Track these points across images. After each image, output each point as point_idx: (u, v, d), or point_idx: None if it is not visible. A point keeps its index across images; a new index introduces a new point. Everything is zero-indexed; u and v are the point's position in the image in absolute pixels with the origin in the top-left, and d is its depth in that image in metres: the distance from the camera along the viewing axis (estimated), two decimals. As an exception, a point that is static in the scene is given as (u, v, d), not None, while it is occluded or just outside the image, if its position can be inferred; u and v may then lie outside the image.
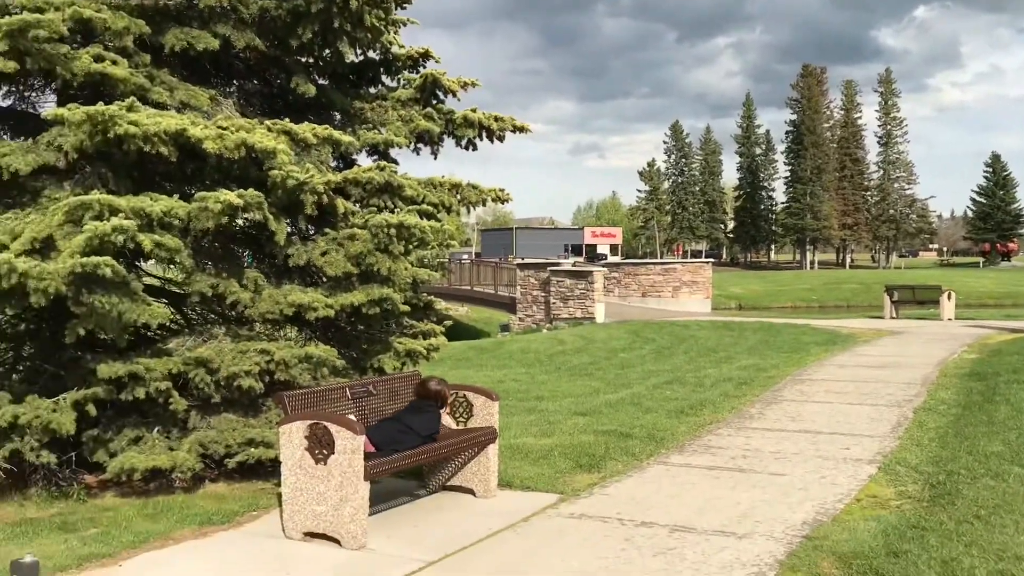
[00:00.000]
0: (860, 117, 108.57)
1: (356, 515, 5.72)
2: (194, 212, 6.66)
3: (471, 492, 7.00)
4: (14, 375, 7.60)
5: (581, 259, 61.02)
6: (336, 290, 7.73)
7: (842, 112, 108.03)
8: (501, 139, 9.52)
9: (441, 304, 9.80)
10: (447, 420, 7.16)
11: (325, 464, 5.81)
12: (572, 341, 20.30)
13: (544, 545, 5.73)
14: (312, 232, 8.01)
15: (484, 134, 9.52)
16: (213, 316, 7.99)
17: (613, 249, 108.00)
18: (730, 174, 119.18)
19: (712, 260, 35.59)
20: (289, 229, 7.59)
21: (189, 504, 6.81)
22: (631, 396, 11.71)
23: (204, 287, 7.08)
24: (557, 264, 30.62)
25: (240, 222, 8.02)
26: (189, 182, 7.56)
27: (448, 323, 9.73)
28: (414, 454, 6.22)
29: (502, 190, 9.60)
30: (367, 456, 5.86)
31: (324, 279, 7.85)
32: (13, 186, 7.03)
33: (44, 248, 6.28)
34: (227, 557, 5.64)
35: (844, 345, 17.73)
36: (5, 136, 7.41)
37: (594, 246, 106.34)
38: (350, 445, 5.70)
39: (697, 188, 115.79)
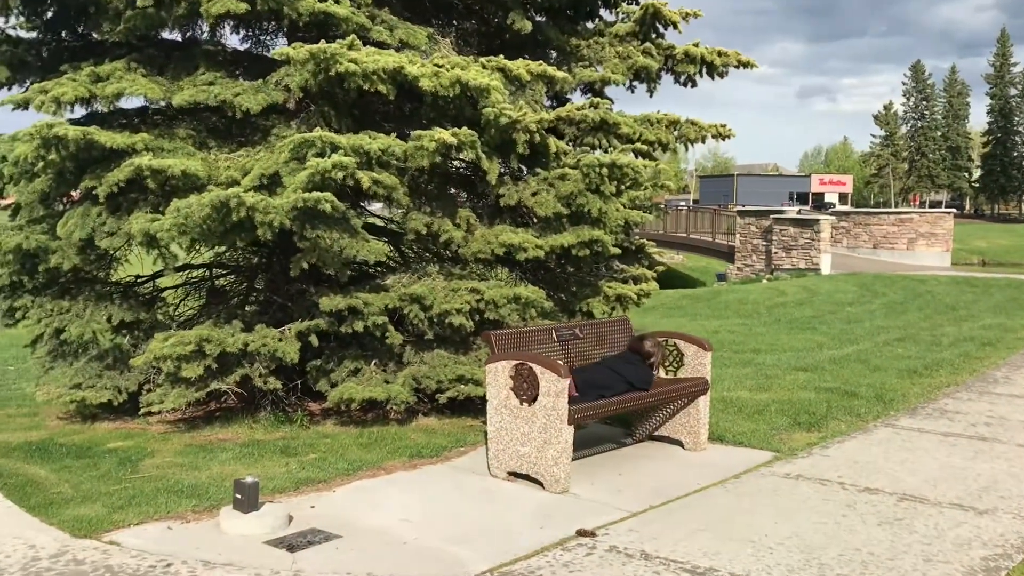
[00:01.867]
0: None
1: (559, 458, 5.63)
2: (410, 151, 6.71)
3: (679, 444, 6.75)
4: (247, 306, 8.07)
5: (807, 207, 57.91)
6: (546, 231, 7.61)
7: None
8: (723, 75, 9.01)
9: (654, 248, 9.48)
10: (656, 370, 6.93)
11: (530, 405, 5.74)
12: (794, 292, 19.35)
13: (756, 505, 5.41)
14: (523, 172, 7.91)
15: (705, 70, 9.05)
16: (428, 255, 8.10)
17: (842, 198, 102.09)
18: (978, 118, 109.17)
19: (954, 211, 32.77)
20: (501, 169, 7.51)
21: (401, 436, 6.99)
22: (857, 353, 10.96)
23: (419, 225, 7.16)
24: (781, 212, 29.24)
25: (456, 163, 8.07)
26: (407, 122, 7.65)
27: (660, 268, 9.41)
28: (619, 401, 6.03)
29: (723, 126, 9.10)
30: (571, 400, 5.75)
31: (535, 220, 7.75)
32: (245, 125, 7.38)
33: (271, 184, 6.54)
34: (433, 489, 5.72)
35: (1110, 307, 15.83)
36: (240, 77, 7.74)
37: (821, 194, 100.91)
38: (554, 387, 5.59)
39: (939, 133, 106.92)
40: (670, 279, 40.63)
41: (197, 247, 8.24)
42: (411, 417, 7.61)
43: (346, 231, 6.67)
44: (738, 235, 30.35)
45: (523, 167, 7.94)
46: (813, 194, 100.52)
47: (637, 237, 9.35)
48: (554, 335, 6.52)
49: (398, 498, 5.56)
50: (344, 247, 6.65)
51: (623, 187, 7.54)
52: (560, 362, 5.72)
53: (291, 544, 4.73)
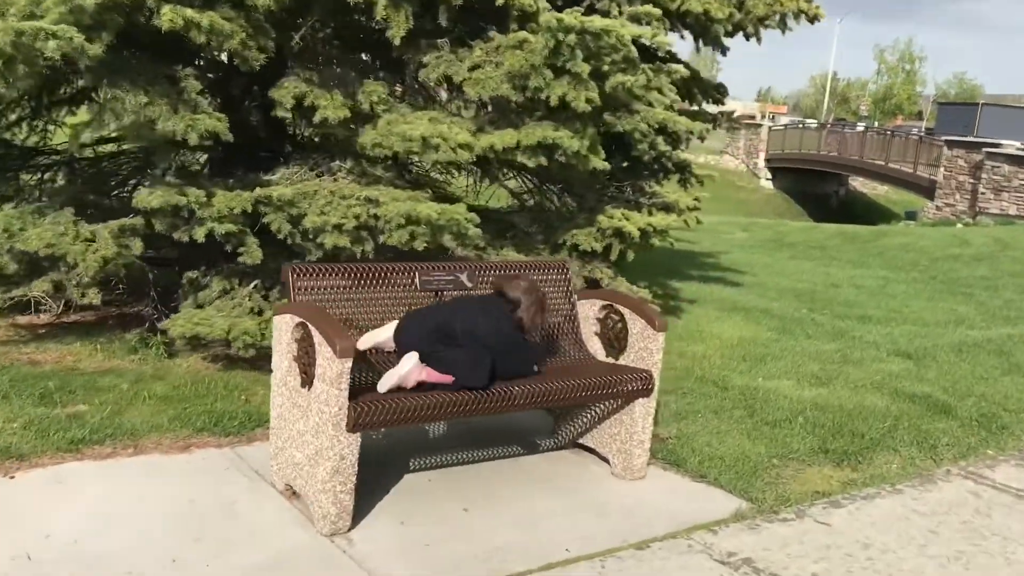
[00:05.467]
0: None
1: (330, 483, 3.49)
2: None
3: (607, 461, 4.42)
4: (112, 194, 6.30)
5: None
6: (502, 125, 5.31)
7: None
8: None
9: (704, 170, 6.88)
10: (595, 346, 4.56)
11: (308, 389, 3.61)
12: (979, 244, 15.66)
13: (616, 619, 3.10)
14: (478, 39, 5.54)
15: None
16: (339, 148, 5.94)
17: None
18: None
19: None
20: (415, 26, 5.18)
21: (235, 390, 5.05)
22: (1003, 339, 7.91)
23: (286, 96, 5.02)
24: (997, 145, 24.54)
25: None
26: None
27: (703, 195, 6.81)
28: (436, 405, 3.67)
29: (808, 1, 6.27)
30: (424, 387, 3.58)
31: (487, 107, 5.45)
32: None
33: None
34: (157, 498, 3.74)
35: None
36: None
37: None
38: (330, 370, 3.42)
39: None
40: (865, 211, 36.13)
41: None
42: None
43: (162, 95, 4.65)
44: (942, 168, 26.02)
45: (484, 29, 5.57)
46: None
47: (679, 151, 6.76)
48: (417, 279, 4.26)
49: (83, 507, 3.63)
50: (156, 117, 4.64)
51: (605, 67, 5.04)
52: (340, 326, 3.52)
53: None
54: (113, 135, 5.79)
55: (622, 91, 5.17)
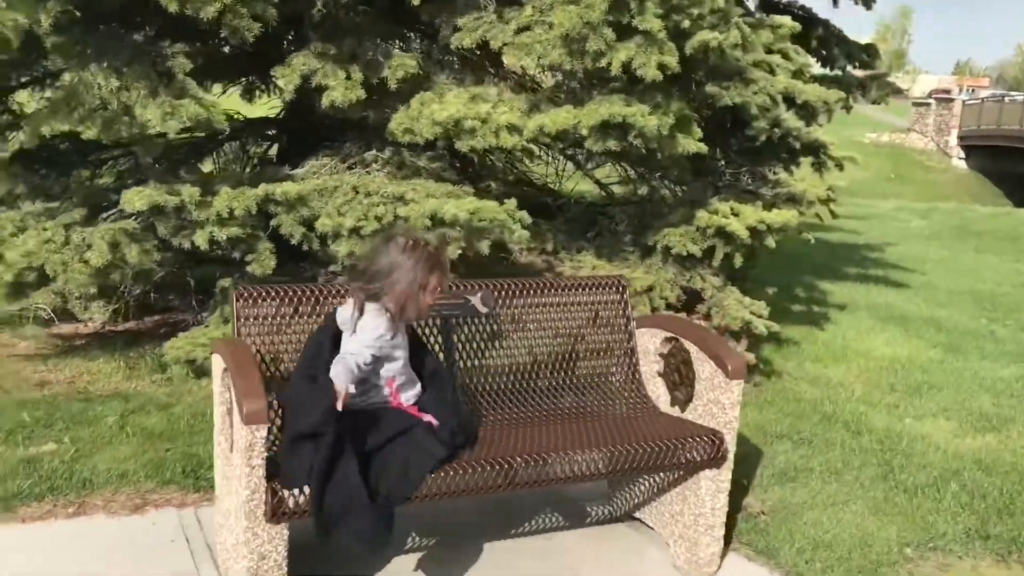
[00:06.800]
0: None
1: (251, 587, 2.59)
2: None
3: (668, 545, 3.31)
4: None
5: None
6: (563, 101, 4.27)
7: None
8: None
9: (842, 151, 5.52)
10: (657, 389, 3.44)
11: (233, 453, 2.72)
12: None
13: None
14: None
15: None
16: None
17: None
18: None
19: None
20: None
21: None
22: None
23: (293, 76, 4.15)
24: None
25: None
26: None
27: (839, 184, 5.46)
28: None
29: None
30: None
31: (540, 83, 4.41)
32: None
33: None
34: (67, 582, 2.97)
35: None
36: None
37: None
38: (240, 439, 2.52)
39: None
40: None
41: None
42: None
43: (141, 77, 3.89)
44: None
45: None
46: None
47: (813, 128, 5.46)
48: (409, 304, 3.26)
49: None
50: (133, 104, 3.88)
51: (686, 22, 3.88)
52: (259, 381, 2.57)
53: None
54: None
55: (713, 53, 3.99)
